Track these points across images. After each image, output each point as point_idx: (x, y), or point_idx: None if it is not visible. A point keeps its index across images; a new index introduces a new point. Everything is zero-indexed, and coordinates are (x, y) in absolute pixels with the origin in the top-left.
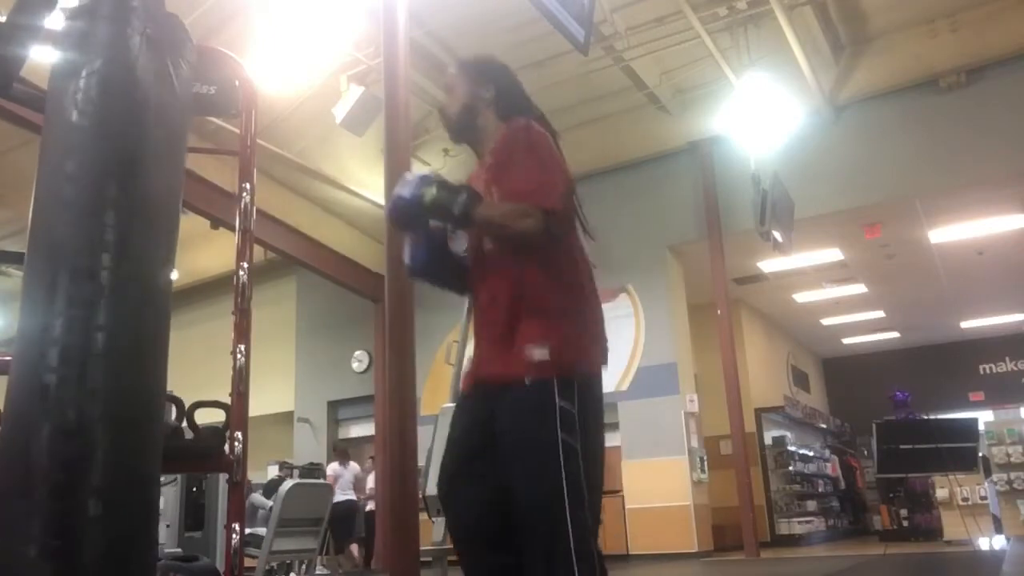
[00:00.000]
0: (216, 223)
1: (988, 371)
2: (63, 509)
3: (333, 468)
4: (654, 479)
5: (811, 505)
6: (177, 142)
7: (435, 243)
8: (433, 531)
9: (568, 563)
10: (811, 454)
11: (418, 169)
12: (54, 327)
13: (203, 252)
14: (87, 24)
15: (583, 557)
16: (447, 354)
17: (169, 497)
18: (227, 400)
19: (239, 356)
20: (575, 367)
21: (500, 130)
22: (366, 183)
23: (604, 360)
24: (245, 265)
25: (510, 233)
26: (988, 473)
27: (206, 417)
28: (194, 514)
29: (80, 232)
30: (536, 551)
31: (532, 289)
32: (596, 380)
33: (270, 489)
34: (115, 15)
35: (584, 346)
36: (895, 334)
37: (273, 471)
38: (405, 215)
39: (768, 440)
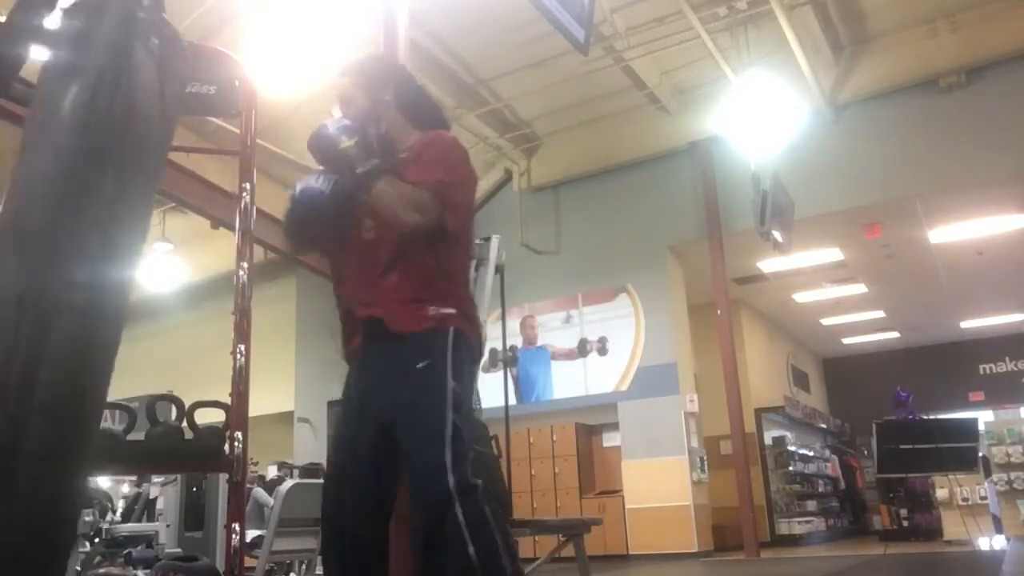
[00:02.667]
0: (216, 223)
1: (988, 371)
2: None
3: None
4: (654, 479)
5: (811, 505)
6: (156, 158)
7: (325, 196)
8: None
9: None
10: (811, 454)
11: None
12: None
13: (203, 252)
14: (84, 25)
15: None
16: None
17: (169, 497)
18: (227, 400)
19: (239, 356)
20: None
21: (415, 135)
22: None
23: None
24: (245, 265)
25: (398, 220)
26: (988, 473)
27: (206, 417)
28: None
29: (43, 229)
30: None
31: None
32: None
33: (269, 490)
34: (119, 23)
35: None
36: (895, 334)
37: (274, 471)
38: (317, 148)
39: (768, 440)
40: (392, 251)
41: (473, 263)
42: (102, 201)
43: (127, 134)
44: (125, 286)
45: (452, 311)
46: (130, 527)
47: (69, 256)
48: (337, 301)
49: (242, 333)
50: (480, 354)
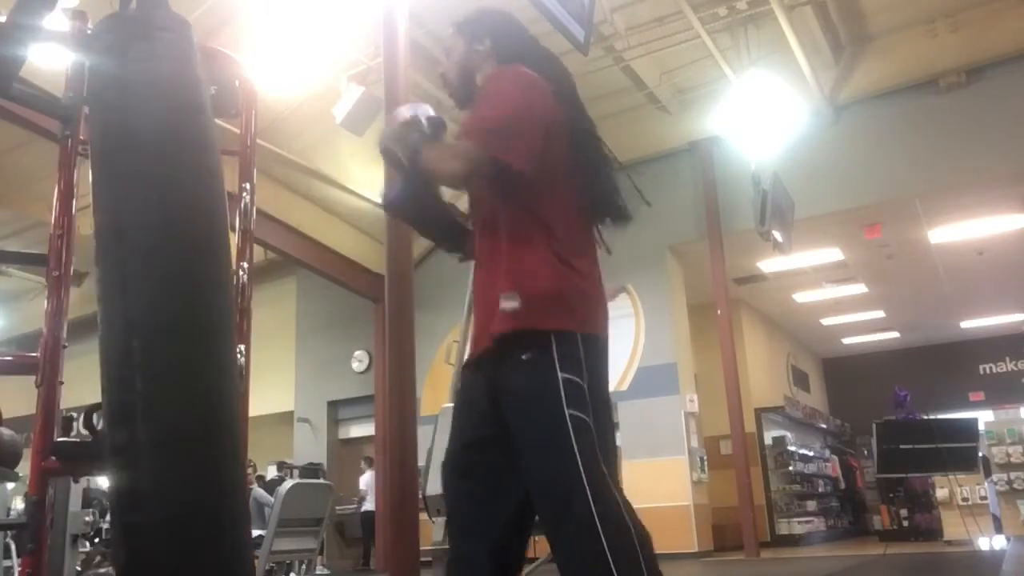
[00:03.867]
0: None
1: (988, 371)
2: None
3: (368, 479)
4: (654, 479)
5: (811, 505)
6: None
7: (414, 182)
8: (433, 531)
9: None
10: (811, 454)
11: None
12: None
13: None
14: (115, 55)
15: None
16: (447, 354)
17: None
18: None
19: (239, 356)
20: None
21: None
22: (366, 183)
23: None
24: (245, 265)
25: (438, 177)
26: (988, 473)
27: None
28: None
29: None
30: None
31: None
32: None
33: (269, 489)
34: (144, 41)
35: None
36: (895, 334)
37: (273, 471)
38: (387, 141)
39: (768, 440)
40: (479, 230)
41: None
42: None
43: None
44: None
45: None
46: None
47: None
48: None
49: (242, 333)
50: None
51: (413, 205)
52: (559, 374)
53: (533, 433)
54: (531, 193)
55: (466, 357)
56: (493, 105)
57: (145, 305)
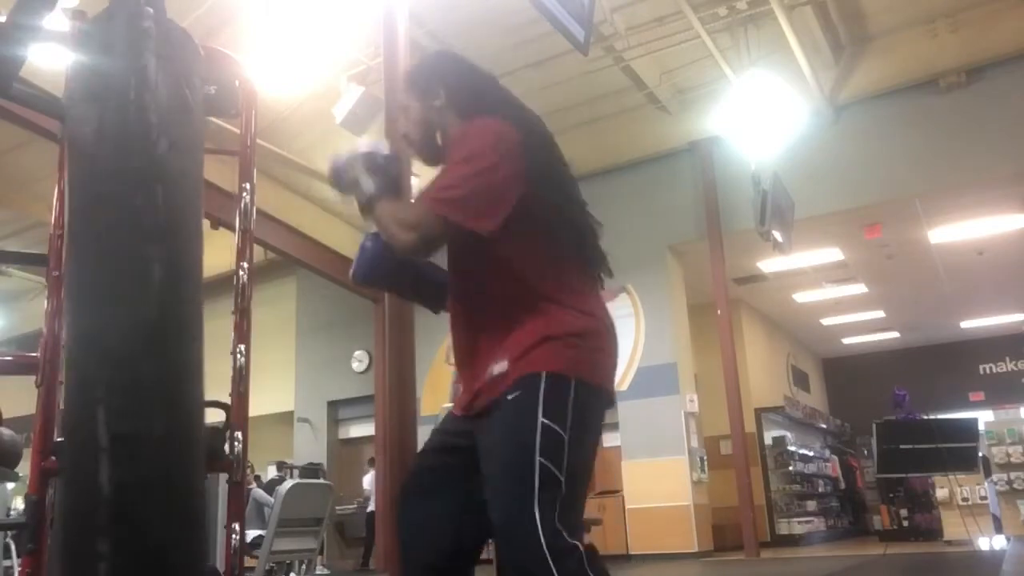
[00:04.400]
0: (216, 223)
1: (988, 371)
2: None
3: (371, 478)
4: (654, 479)
5: (811, 505)
6: (195, 167)
7: (383, 251)
8: None
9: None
10: (811, 454)
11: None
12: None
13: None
14: (100, 53)
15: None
16: (447, 354)
17: None
18: (227, 400)
19: (239, 356)
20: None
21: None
22: None
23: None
24: (245, 265)
25: (393, 245)
26: (988, 473)
27: (206, 417)
28: None
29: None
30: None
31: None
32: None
33: (268, 489)
34: (128, 40)
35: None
36: (895, 334)
37: (273, 471)
38: (335, 183)
39: (768, 440)
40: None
41: None
42: (157, 219)
43: (162, 149)
44: (197, 302)
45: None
46: None
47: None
48: None
49: (242, 333)
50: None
51: (385, 273)
52: (539, 419)
53: (498, 472)
54: (510, 247)
55: (453, 403)
56: (455, 166)
57: (113, 307)
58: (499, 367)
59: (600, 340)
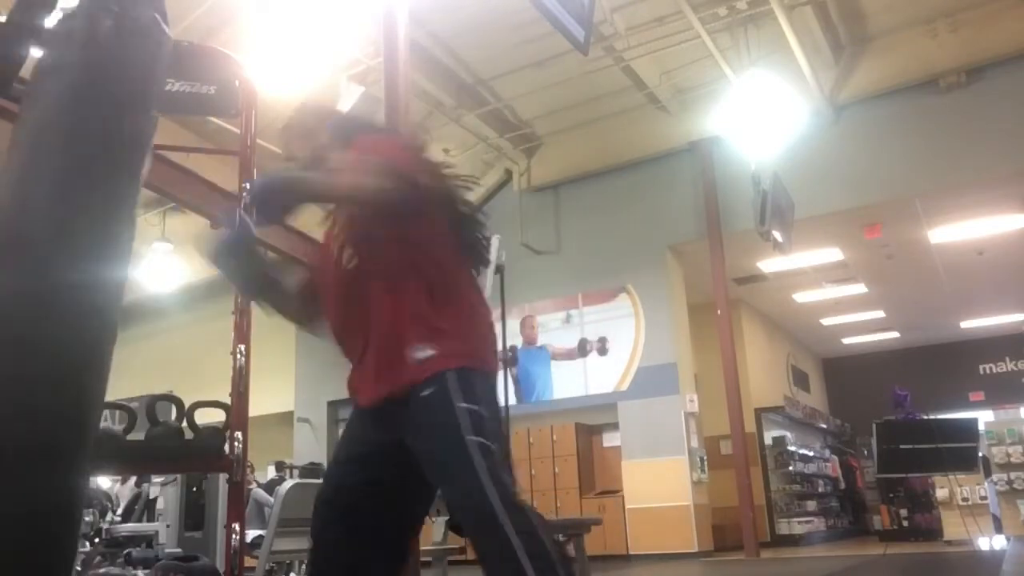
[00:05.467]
0: (216, 223)
1: (988, 371)
2: None
3: None
4: (654, 479)
5: (811, 505)
6: (139, 145)
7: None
8: (433, 531)
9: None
10: (811, 454)
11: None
12: None
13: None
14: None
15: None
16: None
17: (169, 497)
18: (227, 400)
19: (239, 356)
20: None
21: None
22: None
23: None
24: None
25: (360, 191)
26: (988, 473)
27: (206, 417)
28: (194, 514)
29: (31, 228)
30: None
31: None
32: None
33: (268, 489)
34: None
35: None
36: (895, 334)
37: (273, 471)
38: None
39: (768, 440)
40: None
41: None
42: (95, 199)
43: (111, 130)
44: (120, 283)
45: (437, 351)
46: (130, 527)
47: (64, 255)
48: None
49: (242, 333)
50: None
51: (243, 255)
52: (456, 404)
53: (439, 460)
54: (418, 235)
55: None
56: (368, 155)
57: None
58: (421, 352)
59: (486, 335)
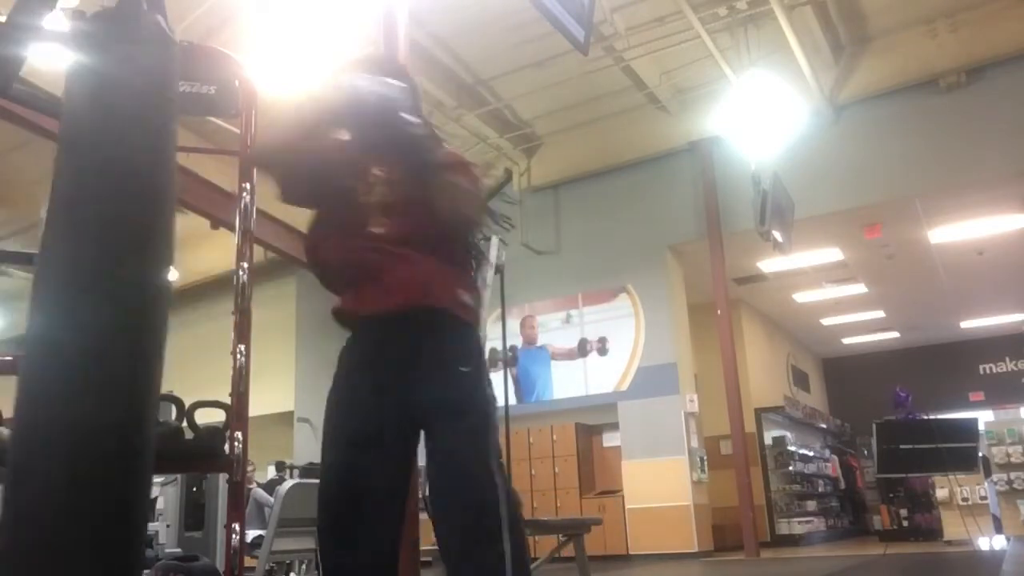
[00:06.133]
0: (216, 223)
1: (988, 371)
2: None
3: None
4: (654, 479)
5: (811, 505)
6: (168, 149)
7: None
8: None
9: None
10: (811, 454)
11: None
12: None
13: (203, 252)
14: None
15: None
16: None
17: (169, 497)
18: (227, 400)
19: (239, 356)
20: None
21: None
22: None
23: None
24: (245, 265)
25: (462, 217)
26: (988, 473)
27: (206, 417)
28: (194, 514)
29: (83, 240)
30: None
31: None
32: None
33: (268, 489)
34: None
35: None
36: (895, 334)
37: (273, 471)
38: (371, 112)
39: (768, 440)
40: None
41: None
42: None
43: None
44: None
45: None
46: None
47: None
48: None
49: (242, 333)
50: None
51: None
52: (485, 365)
53: (470, 440)
54: None
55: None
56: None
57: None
58: (467, 299)
59: None
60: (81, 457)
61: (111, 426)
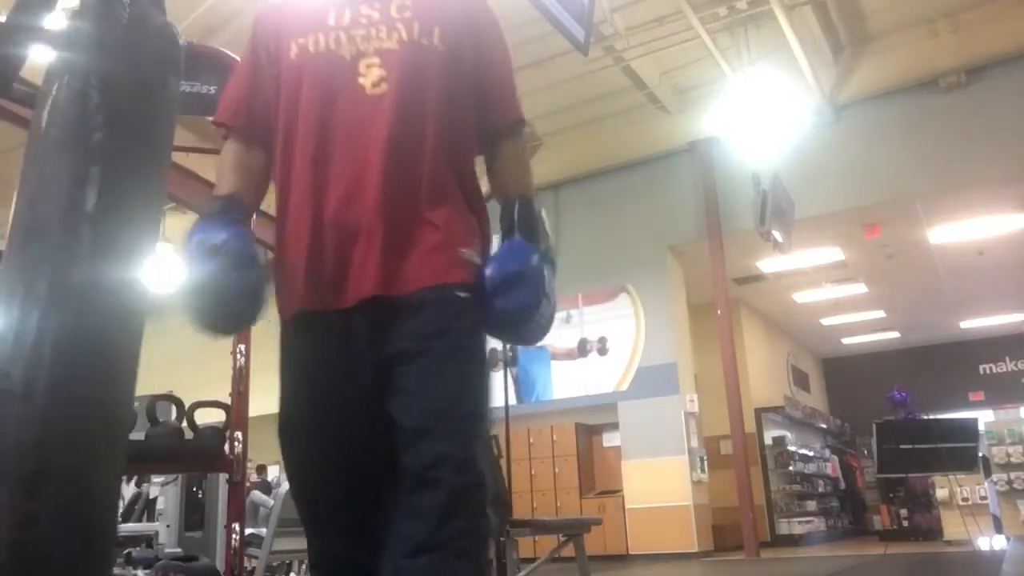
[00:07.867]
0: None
1: (988, 371)
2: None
3: None
4: (654, 479)
5: (811, 505)
6: (162, 148)
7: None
8: None
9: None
10: (811, 454)
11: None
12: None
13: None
14: (77, 26)
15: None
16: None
17: (169, 497)
18: (227, 400)
19: (239, 356)
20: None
21: None
22: None
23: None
24: None
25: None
26: (988, 473)
27: (206, 417)
28: (194, 514)
29: (52, 233)
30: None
31: None
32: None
33: (264, 490)
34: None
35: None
36: (895, 334)
37: (273, 471)
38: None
39: (768, 440)
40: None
41: None
42: (117, 201)
43: (116, 131)
44: (135, 284)
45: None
46: (130, 527)
47: (72, 256)
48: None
49: (242, 333)
50: None
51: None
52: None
53: (465, 405)
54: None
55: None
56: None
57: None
58: (471, 256)
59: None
60: (44, 459)
61: (80, 428)
